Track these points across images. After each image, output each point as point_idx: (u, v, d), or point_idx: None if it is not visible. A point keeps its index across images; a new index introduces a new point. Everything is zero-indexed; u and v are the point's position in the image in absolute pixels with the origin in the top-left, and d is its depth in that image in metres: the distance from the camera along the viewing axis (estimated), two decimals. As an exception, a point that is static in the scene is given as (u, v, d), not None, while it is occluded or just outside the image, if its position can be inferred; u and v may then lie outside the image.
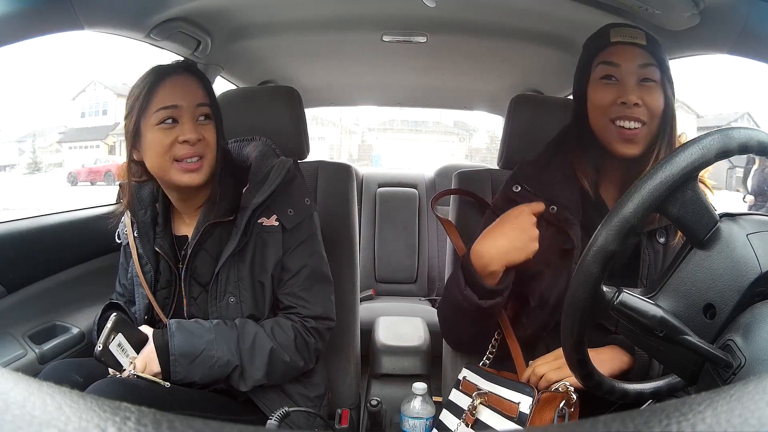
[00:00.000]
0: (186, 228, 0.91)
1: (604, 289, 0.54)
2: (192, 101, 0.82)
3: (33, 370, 0.88)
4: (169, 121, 0.80)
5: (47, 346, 0.92)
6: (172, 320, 0.81)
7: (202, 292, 0.86)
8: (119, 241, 0.94)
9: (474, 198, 1.07)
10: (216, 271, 0.84)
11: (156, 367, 0.77)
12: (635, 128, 0.77)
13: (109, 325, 0.75)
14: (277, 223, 0.87)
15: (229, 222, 0.85)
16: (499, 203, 0.89)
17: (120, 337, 0.76)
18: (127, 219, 0.91)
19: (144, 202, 0.90)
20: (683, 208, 0.51)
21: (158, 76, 0.82)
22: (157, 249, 0.88)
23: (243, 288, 0.85)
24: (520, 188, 0.86)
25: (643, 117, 0.77)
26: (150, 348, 0.78)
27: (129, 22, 0.95)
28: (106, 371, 0.78)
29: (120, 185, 0.94)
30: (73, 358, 0.95)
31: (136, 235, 0.89)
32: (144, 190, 0.91)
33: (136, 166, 0.86)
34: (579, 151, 0.85)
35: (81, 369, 0.81)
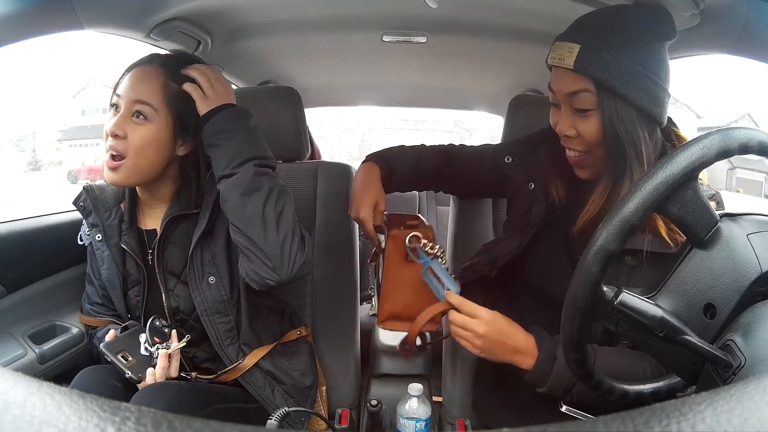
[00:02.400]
0: (153, 222, 0.90)
1: (604, 288, 0.54)
2: (132, 96, 0.79)
3: (33, 370, 0.88)
4: (114, 108, 0.80)
5: (47, 346, 0.92)
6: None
7: (179, 282, 0.87)
8: (81, 243, 0.92)
9: None
10: (189, 254, 0.83)
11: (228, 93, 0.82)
12: (575, 156, 0.77)
13: (110, 356, 0.77)
14: None
15: (194, 215, 0.86)
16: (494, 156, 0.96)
17: (124, 353, 0.78)
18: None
19: (108, 204, 0.89)
20: (683, 208, 0.51)
21: (133, 63, 0.83)
22: (123, 246, 0.87)
23: (218, 264, 0.85)
24: (511, 160, 0.92)
25: (578, 147, 0.75)
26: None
27: (129, 22, 0.94)
28: None
29: (85, 188, 0.92)
30: (101, 364, 0.90)
31: (100, 238, 0.88)
32: (106, 191, 0.91)
33: None
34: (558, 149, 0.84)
35: (115, 375, 0.81)
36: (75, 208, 0.92)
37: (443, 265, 0.84)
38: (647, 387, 0.60)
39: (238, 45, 1.28)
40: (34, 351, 0.89)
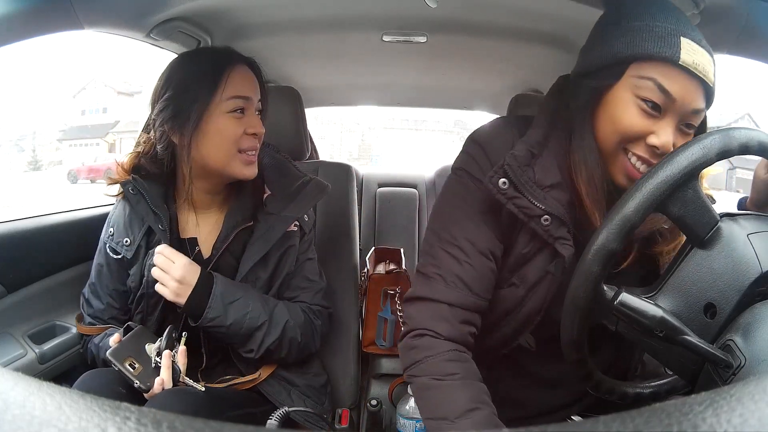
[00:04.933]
0: (193, 229, 0.88)
1: (605, 288, 0.54)
2: (256, 95, 0.83)
3: (33, 370, 0.88)
4: (240, 111, 0.80)
5: (47, 346, 0.92)
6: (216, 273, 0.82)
7: None
8: (117, 256, 0.85)
9: None
10: (242, 276, 0.85)
11: (193, 279, 0.78)
12: (642, 170, 0.62)
13: (118, 365, 0.74)
14: (296, 228, 0.90)
15: (248, 227, 0.86)
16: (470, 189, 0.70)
17: (131, 360, 0.76)
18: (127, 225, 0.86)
19: (155, 200, 0.83)
20: (684, 208, 0.52)
21: (226, 61, 0.81)
22: None
23: (258, 288, 0.87)
24: (507, 185, 0.64)
25: (654, 161, 0.61)
26: (191, 269, 0.79)
27: (129, 22, 0.94)
28: None
29: (135, 180, 0.84)
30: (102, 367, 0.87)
31: (163, 228, 0.82)
32: (153, 186, 0.85)
33: (167, 154, 0.82)
34: (581, 163, 0.66)
35: (121, 379, 0.77)
36: (75, 208, 0.92)
37: (397, 322, 1.11)
38: (647, 388, 0.60)
39: (238, 45, 1.27)
40: (34, 351, 0.89)
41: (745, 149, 0.52)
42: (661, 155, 0.60)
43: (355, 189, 1.27)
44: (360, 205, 2.10)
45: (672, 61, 0.58)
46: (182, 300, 0.78)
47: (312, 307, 0.92)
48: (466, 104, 2.20)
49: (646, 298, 0.54)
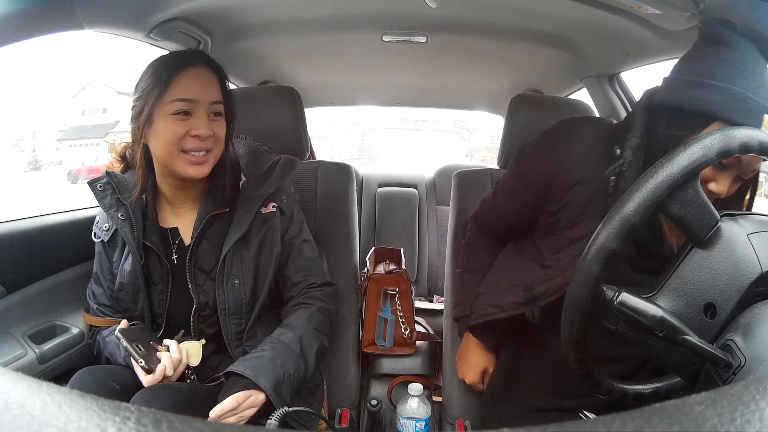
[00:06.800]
0: (174, 219, 0.91)
1: (605, 288, 0.53)
2: (208, 97, 0.82)
3: (33, 370, 0.88)
4: (183, 113, 0.81)
5: (47, 346, 0.91)
6: (238, 366, 0.79)
7: (207, 279, 0.88)
8: (98, 239, 0.91)
9: None
10: (222, 257, 0.87)
11: (258, 403, 0.77)
12: None
13: (125, 343, 0.76)
14: (275, 209, 0.94)
15: (225, 213, 0.90)
16: None
17: (137, 343, 0.78)
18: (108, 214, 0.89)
19: (130, 190, 0.88)
20: (684, 207, 0.51)
21: (178, 63, 0.82)
22: (147, 243, 0.87)
23: (246, 270, 0.89)
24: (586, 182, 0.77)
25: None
26: (246, 399, 0.77)
27: (129, 22, 0.94)
28: (137, 378, 0.79)
29: (109, 173, 0.90)
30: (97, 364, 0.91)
31: (123, 216, 0.87)
32: (127, 180, 0.90)
33: (144, 149, 0.85)
34: None
35: (114, 376, 0.81)
36: (75, 208, 0.92)
37: (397, 322, 1.16)
38: (646, 388, 0.60)
39: (238, 45, 1.28)
40: (34, 351, 0.89)
41: (745, 149, 0.52)
42: (714, 198, 0.65)
43: (355, 189, 1.27)
44: (360, 205, 2.10)
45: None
46: (257, 404, 0.78)
47: (323, 289, 0.97)
48: (466, 104, 2.20)
49: (646, 298, 0.54)
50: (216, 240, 0.89)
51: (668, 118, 0.69)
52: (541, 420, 0.82)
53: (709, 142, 0.50)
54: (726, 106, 0.63)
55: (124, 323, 0.84)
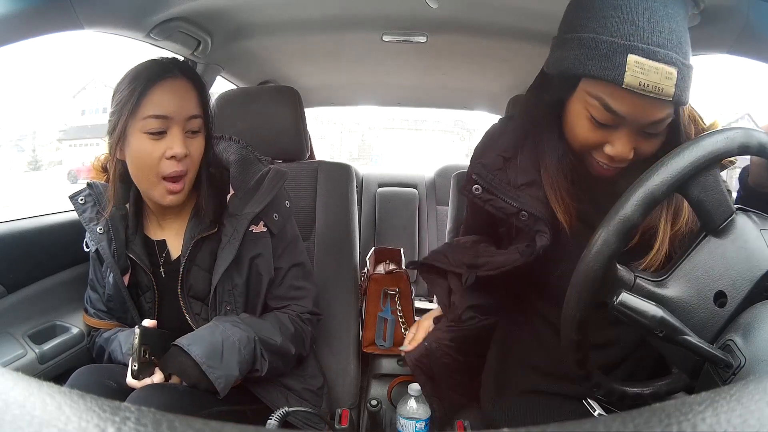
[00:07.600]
0: (161, 232, 0.88)
1: (618, 266, 0.54)
2: (184, 113, 0.78)
3: (33, 370, 0.88)
4: (158, 133, 0.76)
5: (47, 346, 0.91)
6: (177, 340, 0.77)
7: (203, 306, 0.86)
8: (88, 249, 0.88)
9: None
10: (214, 286, 0.83)
11: (195, 378, 0.75)
12: (608, 169, 0.67)
13: (136, 341, 0.74)
14: (265, 229, 0.87)
15: (213, 234, 0.85)
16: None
17: (147, 348, 0.76)
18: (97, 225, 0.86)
19: (105, 206, 0.84)
20: (704, 192, 0.52)
21: (153, 76, 0.77)
22: (130, 255, 0.85)
23: (237, 295, 0.86)
24: (480, 190, 0.74)
25: (622, 165, 0.65)
26: (180, 366, 0.76)
27: (129, 21, 0.94)
28: None
29: (90, 185, 0.87)
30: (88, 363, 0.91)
31: (102, 230, 0.84)
32: (120, 191, 0.85)
33: (120, 164, 0.81)
34: (544, 166, 0.72)
35: (112, 375, 0.80)
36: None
37: (397, 322, 1.14)
38: (646, 388, 0.60)
39: (238, 45, 1.28)
40: (34, 351, 0.89)
41: (762, 150, 0.52)
42: (621, 161, 0.64)
43: (355, 189, 1.27)
44: (360, 205, 2.10)
45: (615, 83, 0.57)
46: (195, 379, 0.75)
47: (305, 315, 0.93)
48: (465, 104, 2.20)
49: (656, 282, 0.54)
50: (206, 264, 0.85)
51: (547, 92, 0.68)
52: (545, 403, 0.81)
53: (733, 135, 0.52)
54: (579, 59, 0.59)
55: (152, 323, 0.80)
